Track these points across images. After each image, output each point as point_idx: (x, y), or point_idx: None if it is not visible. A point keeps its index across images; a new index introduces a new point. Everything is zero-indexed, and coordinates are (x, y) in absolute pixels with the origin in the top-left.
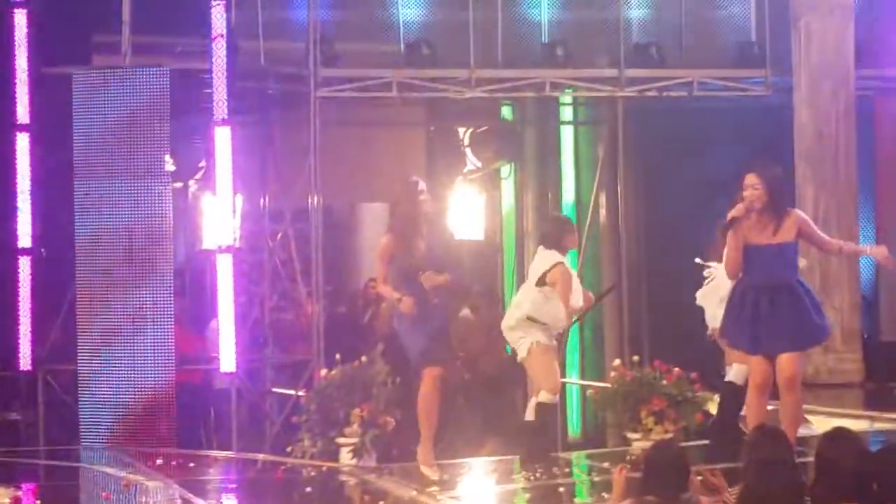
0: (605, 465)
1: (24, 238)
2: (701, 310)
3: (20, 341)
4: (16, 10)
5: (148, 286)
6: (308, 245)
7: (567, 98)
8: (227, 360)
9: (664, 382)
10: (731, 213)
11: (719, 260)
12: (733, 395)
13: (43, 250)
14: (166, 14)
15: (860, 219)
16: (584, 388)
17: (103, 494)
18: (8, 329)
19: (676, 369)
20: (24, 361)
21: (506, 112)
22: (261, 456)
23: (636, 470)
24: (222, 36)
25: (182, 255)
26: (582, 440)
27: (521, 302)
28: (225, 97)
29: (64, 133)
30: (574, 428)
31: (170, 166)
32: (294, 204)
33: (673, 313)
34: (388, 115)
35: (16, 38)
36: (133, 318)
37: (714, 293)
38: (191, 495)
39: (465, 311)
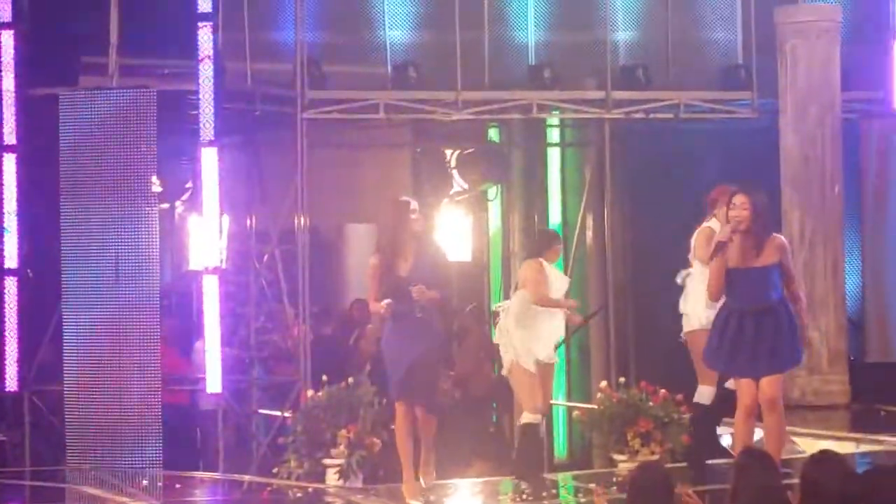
0: (592, 486)
1: (11, 259)
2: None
3: (6, 362)
4: (2, 31)
5: (134, 307)
6: (294, 266)
7: (554, 120)
8: (213, 381)
9: (650, 404)
10: (718, 238)
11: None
12: (704, 416)
13: (29, 271)
14: (153, 36)
15: (846, 243)
16: (570, 410)
17: None
18: None
19: (663, 391)
20: (10, 382)
21: (492, 134)
22: (247, 477)
23: (622, 492)
24: (209, 57)
25: (168, 276)
26: (568, 461)
27: (510, 307)
28: (212, 118)
29: (51, 154)
30: (560, 449)
31: (156, 187)
32: (281, 225)
33: (660, 335)
34: (375, 136)
35: (2, 59)
36: (119, 339)
37: (692, 293)
38: None
39: None
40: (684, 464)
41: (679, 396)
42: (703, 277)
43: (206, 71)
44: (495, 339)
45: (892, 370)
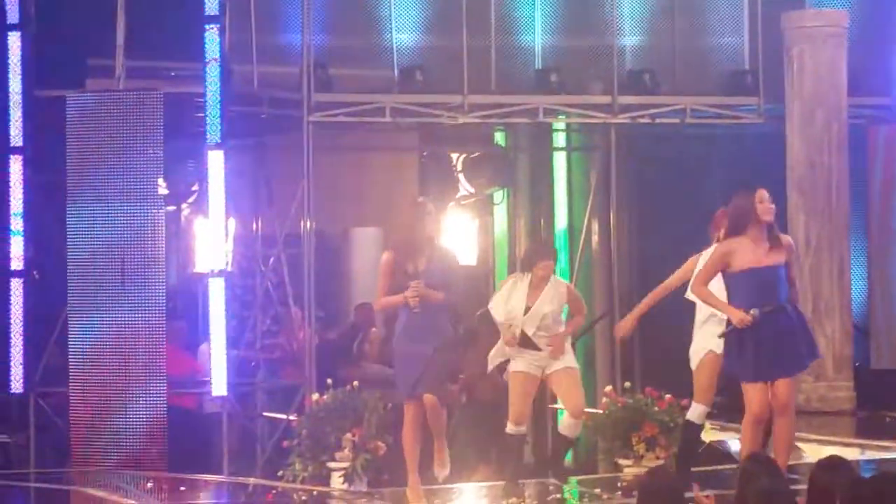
0: (597, 491)
1: (17, 260)
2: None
3: (12, 363)
4: (10, 33)
5: (140, 309)
6: (300, 269)
7: (560, 124)
8: (219, 384)
9: (656, 409)
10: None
11: None
12: (691, 435)
13: (35, 273)
14: (160, 38)
15: (852, 248)
16: None
17: None
18: None
19: (668, 396)
20: (16, 384)
21: (499, 138)
22: (252, 480)
23: (626, 496)
24: (216, 60)
25: (174, 279)
26: (573, 466)
27: None
28: (218, 121)
29: (57, 156)
30: (566, 455)
31: (163, 189)
32: (287, 228)
33: (665, 340)
34: (382, 140)
35: (10, 61)
36: (125, 342)
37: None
38: None
39: None
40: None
41: (684, 401)
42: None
43: (213, 73)
44: None
45: None
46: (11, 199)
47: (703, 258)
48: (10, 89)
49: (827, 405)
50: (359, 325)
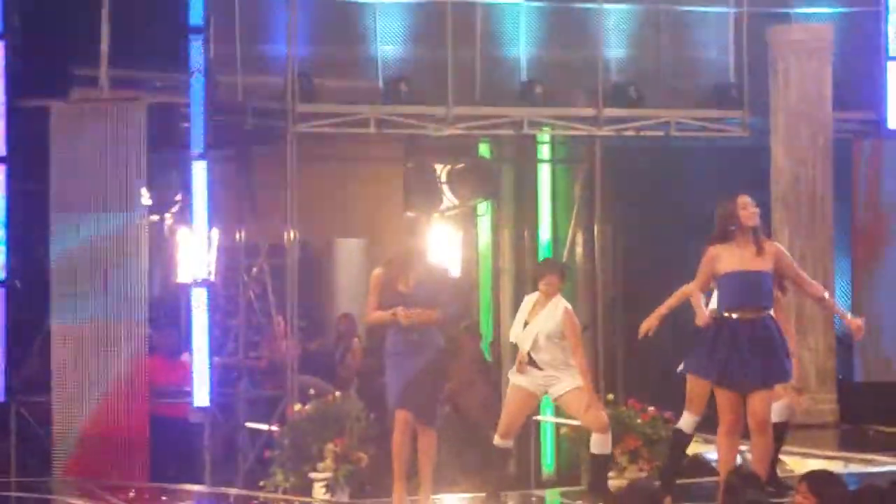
0: (579, 503)
1: None
2: (676, 347)
3: None
4: None
5: (122, 319)
6: (283, 280)
7: (545, 136)
8: (201, 394)
9: (639, 421)
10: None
11: None
12: (677, 443)
13: (18, 282)
14: (145, 48)
15: (836, 263)
16: (558, 426)
17: None
18: None
19: (651, 408)
20: None
21: (483, 150)
22: (233, 490)
23: None
24: (200, 70)
25: (157, 289)
26: (556, 478)
27: None
28: (202, 131)
29: (41, 165)
30: (548, 465)
31: (146, 199)
32: (270, 238)
33: (648, 352)
34: (366, 151)
35: None
36: (107, 351)
37: None
38: None
39: None
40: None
41: (667, 414)
42: None
43: (197, 84)
44: None
45: (880, 389)
46: None
47: None
48: None
49: (810, 418)
50: (341, 335)
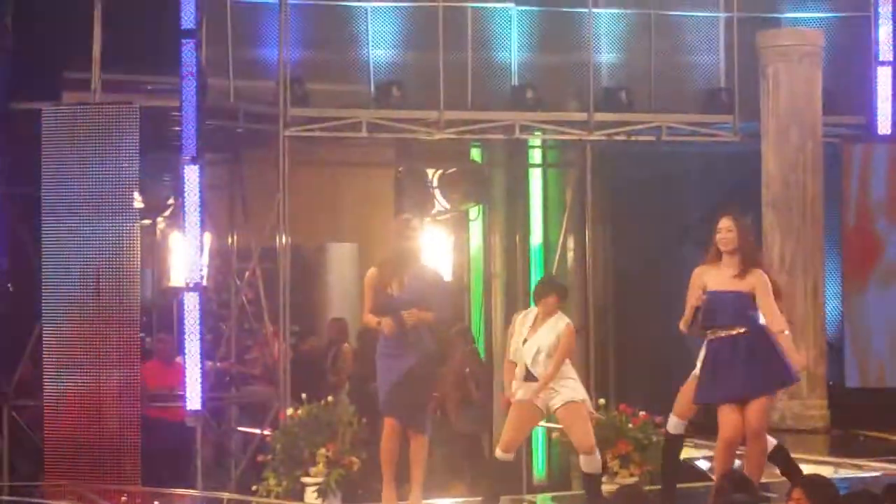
0: None
1: None
2: (667, 352)
3: None
4: None
5: (115, 322)
6: (275, 284)
7: (536, 141)
8: (193, 398)
9: (630, 426)
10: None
11: None
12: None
13: (10, 285)
14: (137, 52)
15: (826, 266)
16: (549, 431)
17: None
18: None
19: (642, 413)
20: None
21: (475, 154)
22: (226, 495)
23: None
24: (192, 74)
25: (149, 292)
26: (547, 483)
27: None
28: (194, 135)
29: (32, 169)
30: (539, 470)
31: (138, 203)
32: (262, 242)
33: (640, 356)
34: (358, 155)
35: None
36: (99, 355)
37: None
38: None
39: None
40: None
41: (658, 419)
42: None
43: (189, 87)
44: None
45: (871, 395)
46: None
47: None
48: None
49: (801, 423)
50: (332, 339)
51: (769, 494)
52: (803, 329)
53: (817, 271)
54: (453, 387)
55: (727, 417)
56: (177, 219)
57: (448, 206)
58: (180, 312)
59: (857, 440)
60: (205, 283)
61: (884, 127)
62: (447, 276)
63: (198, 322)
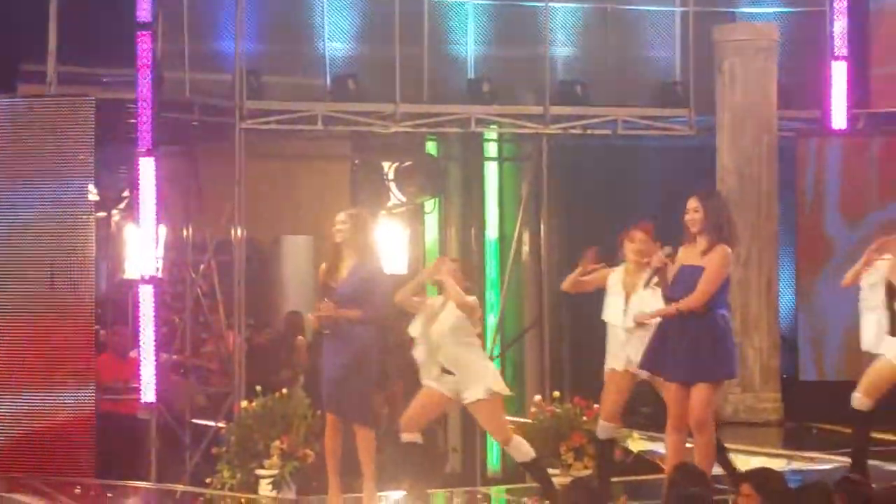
0: (525, 500)
1: None
2: None
3: None
4: None
5: (69, 315)
6: (230, 277)
7: (492, 134)
8: (148, 390)
9: (584, 419)
10: (654, 264)
11: None
12: (602, 450)
13: None
14: (93, 44)
15: (781, 260)
16: None
17: None
18: None
19: (596, 406)
20: None
21: (430, 147)
22: (180, 487)
23: None
24: (148, 66)
25: (104, 285)
26: (502, 475)
27: None
28: (149, 127)
29: None
30: (494, 463)
31: (93, 195)
32: (217, 235)
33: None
34: (313, 148)
35: None
36: (53, 347)
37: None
38: None
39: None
40: (616, 479)
41: None
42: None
43: (145, 80)
44: None
45: (824, 388)
46: None
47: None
48: None
49: (754, 416)
50: (288, 332)
51: (720, 486)
52: (757, 322)
53: (772, 265)
54: (404, 383)
55: (672, 395)
56: (132, 211)
57: (404, 199)
58: (135, 305)
59: (811, 433)
60: (160, 275)
61: (838, 122)
62: (403, 270)
63: (152, 315)
